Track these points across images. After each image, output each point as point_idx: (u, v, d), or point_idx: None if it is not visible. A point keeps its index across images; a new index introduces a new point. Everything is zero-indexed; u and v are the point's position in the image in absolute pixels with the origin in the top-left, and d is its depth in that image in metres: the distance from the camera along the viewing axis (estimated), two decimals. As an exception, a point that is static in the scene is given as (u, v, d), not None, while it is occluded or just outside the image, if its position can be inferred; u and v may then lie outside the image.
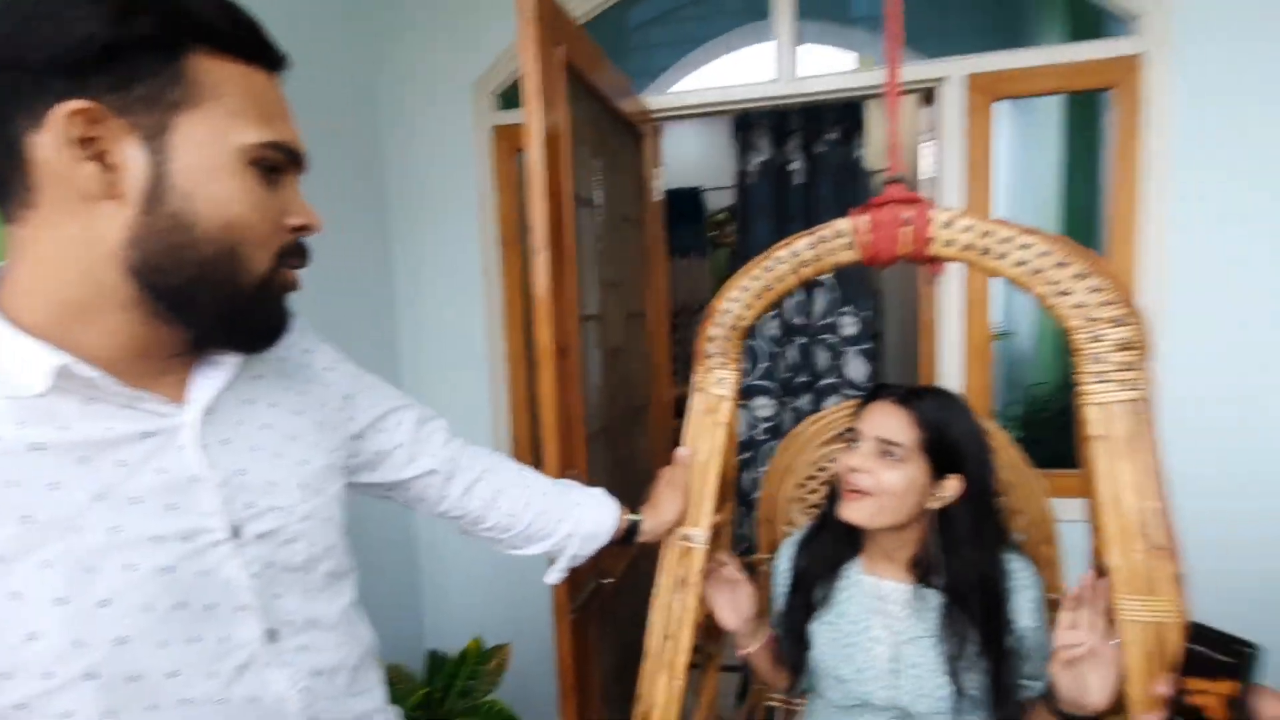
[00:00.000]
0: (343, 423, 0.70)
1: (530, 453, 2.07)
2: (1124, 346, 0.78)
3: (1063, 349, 2.75)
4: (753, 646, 1.06)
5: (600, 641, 1.35)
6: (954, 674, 0.93)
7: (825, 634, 1.02)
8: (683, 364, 4.23)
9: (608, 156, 1.52)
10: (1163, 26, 1.61)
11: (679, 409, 1.50)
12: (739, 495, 2.13)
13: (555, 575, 0.95)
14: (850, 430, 1.00)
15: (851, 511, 0.95)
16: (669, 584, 0.99)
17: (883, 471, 0.93)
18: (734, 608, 1.03)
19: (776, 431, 2.14)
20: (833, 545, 1.04)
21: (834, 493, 1.02)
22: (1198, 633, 0.71)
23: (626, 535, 0.96)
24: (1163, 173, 1.63)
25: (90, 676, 0.46)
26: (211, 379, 0.55)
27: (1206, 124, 1.60)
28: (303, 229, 0.55)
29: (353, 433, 0.73)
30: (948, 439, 0.93)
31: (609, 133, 1.53)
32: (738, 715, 1.43)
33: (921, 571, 0.98)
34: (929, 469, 0.93)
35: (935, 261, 0.87)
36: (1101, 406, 0.78)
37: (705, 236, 4.31)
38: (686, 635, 0.96)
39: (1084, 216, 2.52)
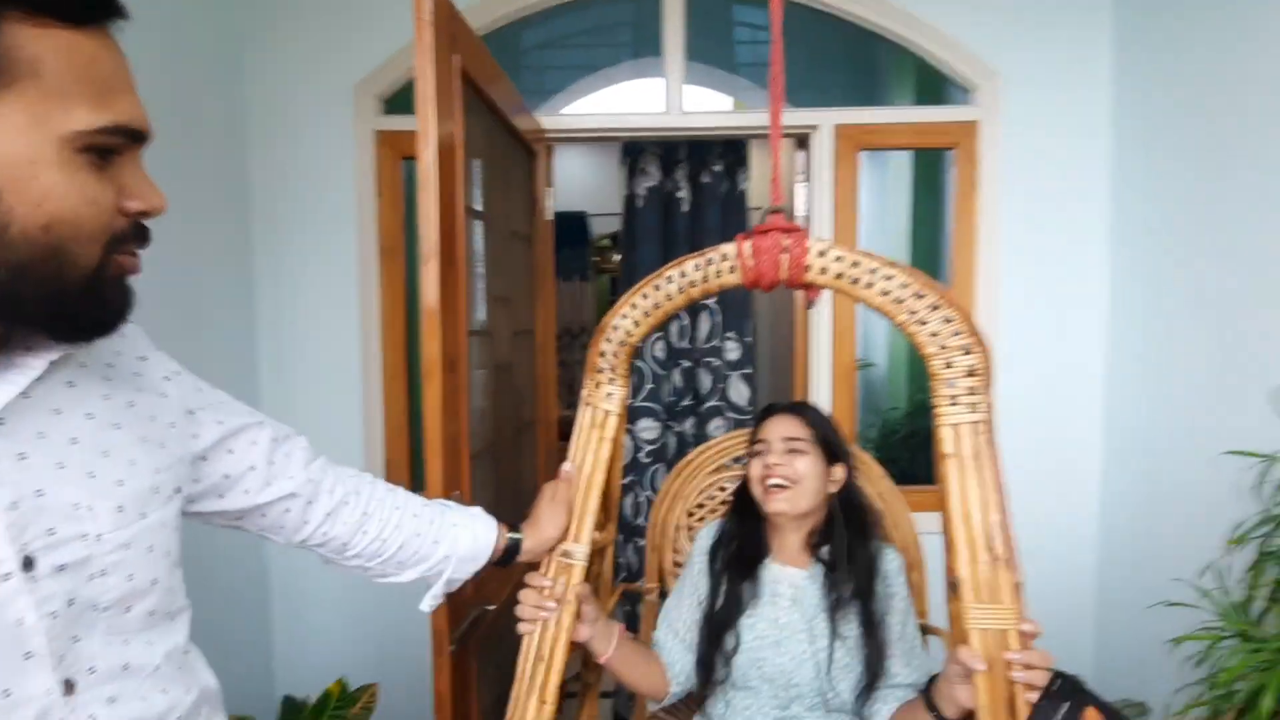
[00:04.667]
0: (181, 440, 0.62)
1: (408, 475, 1.96)
2: (970, 373, 0.87)
3: (912, 378, 3.04)
4: (609, 650, 1.02)
5: (481, 675, 1.29)
6: (833, 625, 1.06)
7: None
8: (565, 386, 4.21)
9: (500, 170, 1.50)
10: (993, 98, 1.86)
11: (563, 431, 1.50)
12: (620, 521, 2.13)
13: (430, 601, 0.89)
14: (757, 442, 1.14)
15: (778, 503, 1.09)
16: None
17: (795, 462, 1.09)
18: (582, 617, 0.98)
19: (660, 454, 2.18)
20: (749, 546, 1.15)
21: (744, 500, 1.16)
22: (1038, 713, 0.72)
23: (507, 555, 0.92)
24: (994, 223, 1.87)
25: None
26: (8, 383, 0.46)
27: (1028, 182, 1.86)
28: (143, 214, 0.48)
29: (196, 453, 0.65)
30: (830, 434, 1.14)
31: (502, 147, 1.52)
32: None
33: (815, 550, 1.13)
34: (824, 457, 1.11)
35: (811, 288, 0.93)
36: (953, 427, 0.85)
37: (589, 261, 4.36)
38: (560, 656, 0.92)
39: (930, 259, 2.82)
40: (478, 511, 0.92)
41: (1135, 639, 1.73)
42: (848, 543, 1.10)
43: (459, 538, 0.87)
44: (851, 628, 1.07)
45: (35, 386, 0.48)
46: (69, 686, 0.48)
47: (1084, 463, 1.89)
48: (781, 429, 1.12)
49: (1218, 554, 1.26)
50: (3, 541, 0.44)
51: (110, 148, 0.45)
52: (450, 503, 0.92)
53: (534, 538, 0.93)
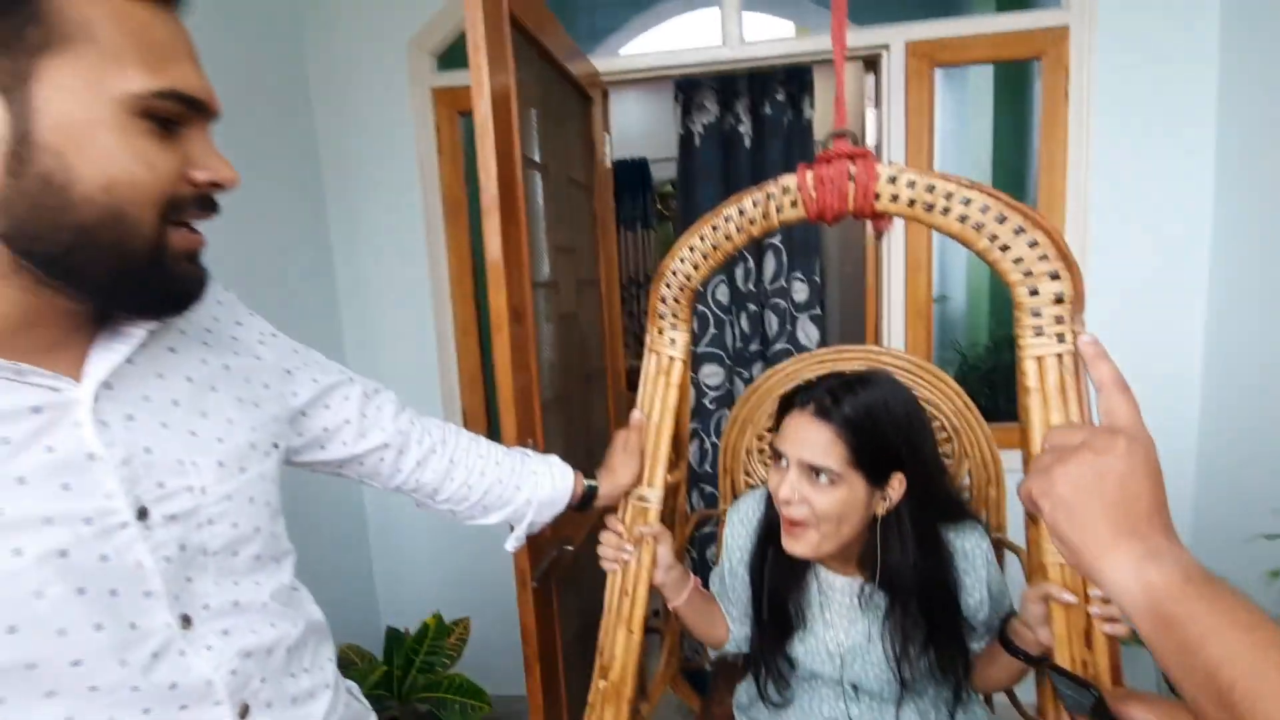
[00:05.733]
0: (276, 400, 0.66)
1: (484, 424, 2.04)
2: (1057, 300, 0.81)
3: (991, 312, 2.88)
4: (681, 598, 1.05)
5: (562, 609, 1.36)
6: (898, 668, 0.94)
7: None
8: (632, 336, 4.24)
9: (556, 119, 1.48)
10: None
11: (630, 381, 1.52)
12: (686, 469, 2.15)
13: (514, 542, 0.95)
14: (772, 448, 0.92)
15: (795, 546, 0.90)
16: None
17: (815, 497, 0.86)
18: (657, 560, 1.01)
19: (726, 400, 2.17)
20: (787, 559, 0.97)
21: (776, 512, 0.94)
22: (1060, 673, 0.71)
23: (584, 500, 0.96)
24: (1086, 140, 1.71)
25: None
26: (113, 351, 0.50)
27: (1126, 92, 1.68)
28: (212, 185, 0.50)
29: (296, 409, 0.70)
30: (881, 442, 0.86)
31: (557, 94, 1.50)
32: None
33: (869, 571, 0.95)
34: (867, 480, 0.86)
35: (880, 218, 0.88)
36: (1036, 360, 0.80)
37: (652, 209, 4.30)
38: (643, 591, 0.98)
39: (1015, 182, 2.62)
40: (555, 459, 0.97)
41: (1231, 572, 1.60)
42: (906, 573, 0.89)
43: (539, 484, 0.92)
44: (922, 671, 0.93)
45: (139, 353, 0.53)
46: (186, 621, 0.53)
47: (1181, 394, 1.76)
48: (802, 446, 0.86)
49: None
50: (118, 494, 0.49)
51: (171, 116, 0.46)
52: (529, 451, 0.97)
53: (609, 484, 0.98)
